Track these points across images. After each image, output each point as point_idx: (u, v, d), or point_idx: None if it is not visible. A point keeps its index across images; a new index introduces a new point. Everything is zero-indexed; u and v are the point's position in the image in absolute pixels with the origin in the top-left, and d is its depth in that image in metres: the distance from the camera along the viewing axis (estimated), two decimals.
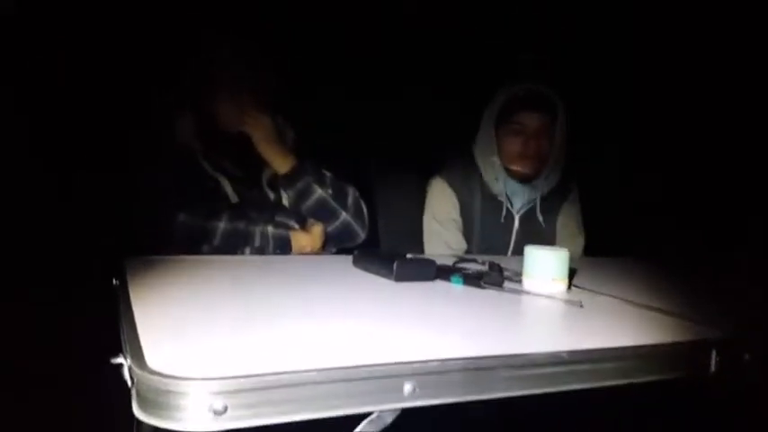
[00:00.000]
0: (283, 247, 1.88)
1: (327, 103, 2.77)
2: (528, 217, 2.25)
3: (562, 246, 2.23)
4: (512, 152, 2.19)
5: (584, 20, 3.05)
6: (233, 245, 1.82)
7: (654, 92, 3.07)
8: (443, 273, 1.39)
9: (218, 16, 2.43)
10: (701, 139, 2.99)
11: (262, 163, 1.98)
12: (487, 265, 1.50)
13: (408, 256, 1.45)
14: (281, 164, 1.96)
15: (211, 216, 1.82)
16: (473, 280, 1.34)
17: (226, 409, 0.67)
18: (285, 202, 2.00)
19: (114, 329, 0.96)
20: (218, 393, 0.67)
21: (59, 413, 1.96)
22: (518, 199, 2.25)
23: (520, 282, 1.37)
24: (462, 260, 1.66)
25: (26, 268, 2.12)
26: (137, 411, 0.70)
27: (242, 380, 0.68)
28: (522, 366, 0.84)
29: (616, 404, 1.48)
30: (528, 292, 1.31)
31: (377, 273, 1.40)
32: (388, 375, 0.76)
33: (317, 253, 1.96)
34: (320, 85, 2.78)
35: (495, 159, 2.20)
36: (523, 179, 2.21)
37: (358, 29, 2.90)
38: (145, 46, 2.40)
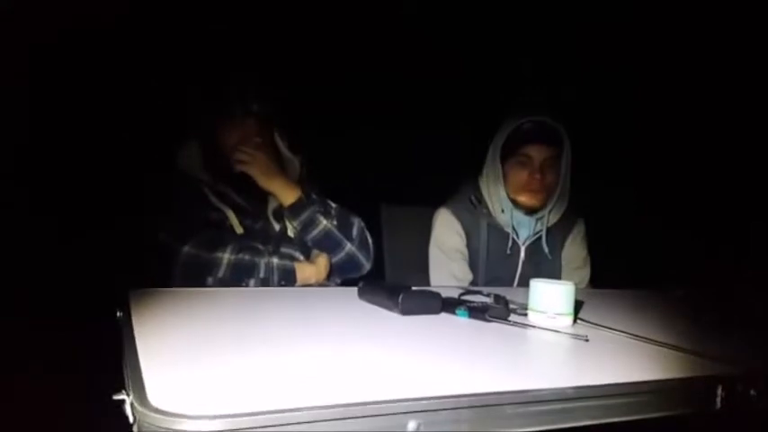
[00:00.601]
0: (288, 279, 1.88)
1: (334, 134, 2.79)
2: (534, 248, 2.25)
3: (567, 277, 2.23)
4: (518, 184, 2.19)
5: (586, 45, 3.08)
6: (238, 276, 1.82)
7: (656, 120, 3.09)
8: (449, 306, 1.38)
9: (223, 47, 2.46)
10: (704, 167, 3.00)
11: (267, 194, 1.98)
12: (493, 297, 1.49)
13: (414, 288, 1.44)
14: (285, 196, 1.96)
15: (216, 247, 1.81)
16: (478, 313, 1.33)
17: None
18: (290, 232, 2.00)
19: (117, 362, 0.96)
20: None
21: None
22: (524, 230, 2.25)
23: (525, 315, 1.37)
24: (468, 292, 1.65)
25: (30, 299, 2.13)
26: None
27: (244, 418, 0.68)
28: (528, 403, 0.83)
29: None
30: (533, 326, 1.30)
31: (382, 305, 1.39)
32: (393, 413, 0.75)
33: (321, 284, 1.95)
34: (326, 114, 2.80)
35: (502, 191, 2.20)
36: (529, 210, 2.21)
37: (365, 58, 2.92)
38: (152, 77, 2.42)
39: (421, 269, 2.29)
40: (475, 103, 3.04)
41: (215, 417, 0.67)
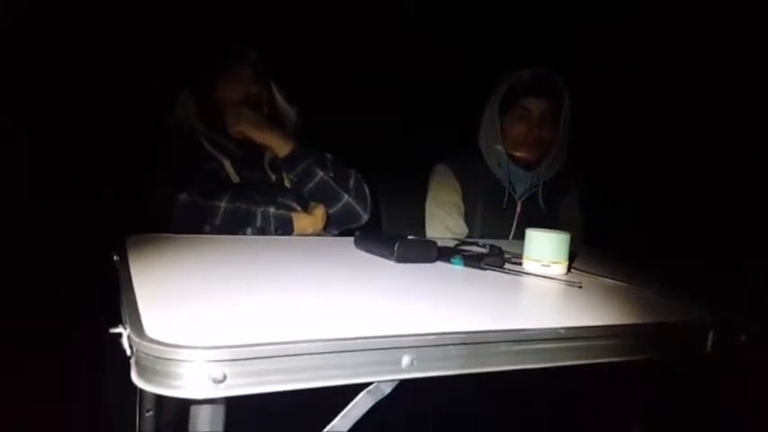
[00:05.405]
0: (285, 228, 1.88)
1: (332, 89, 2.77)
2: (530, 203, 2.25)
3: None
4: (516, 138, 2.18)
5: (589, 16, 3.04)
6: (234, 225, 1.82)
7: (658, 87, 3.07)
8: (444, 254, 1.39)
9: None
10: (703, 135, 2.99)
11: (263, 145, 1.98)
12: (488, 247, 1.50)
13: (410, 237, 1.45)
14: (279, 147, 1.96)
15: (213, 196, 1.81)
16: (474, 261, 1.34)
17: (225, 377, 0.67)
18: (287, 183, 2.00)
19: (115, 305, 0.97)
20: (218, 362, 0.67)
21: (61, 383, 1.98)
22: (521, 185, 2.24)
23: (520, 264, 1.38)
24: (464, 243, 1.66)
25: (28, 247, 2.13)
26: (135, 379, 0.71)
27: (241, 349, 0.69)
28: (519, 341, 0.84)
29: (611, 381, 1.49)
30: (528, 273, 1.31)
31: (378, 254, 1.40)
32: (387, 347, 0.76)
33: (318, 234, 1.96)
34: (324, 70, 2.78)
35: (499, 145, 2.19)
36: (527, 165, 2.20)
37: (362, 18, 2.89)
38: (148, 25, 2.40)
39: (417, 224, 2.29)
40: (474, 58, 3.02)
41: (212, 347, 0.68)
